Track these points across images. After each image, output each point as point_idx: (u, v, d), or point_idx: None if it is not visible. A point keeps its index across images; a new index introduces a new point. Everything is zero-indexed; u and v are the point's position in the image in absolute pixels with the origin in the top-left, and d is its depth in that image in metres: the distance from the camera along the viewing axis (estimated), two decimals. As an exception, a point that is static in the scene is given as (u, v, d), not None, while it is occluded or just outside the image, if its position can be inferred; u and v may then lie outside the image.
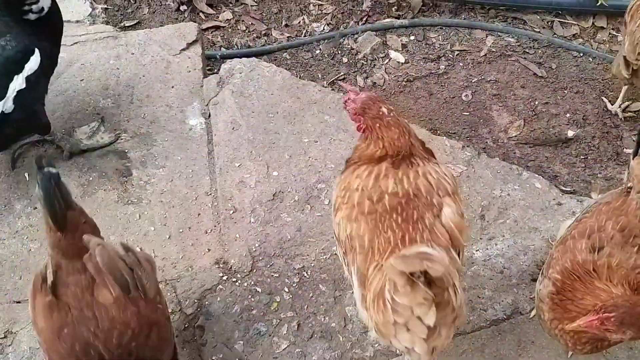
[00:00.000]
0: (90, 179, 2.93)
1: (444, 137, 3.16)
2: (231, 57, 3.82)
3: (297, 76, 3.76)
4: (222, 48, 3.92)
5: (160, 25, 3.98)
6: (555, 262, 2.15)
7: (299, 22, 4.08)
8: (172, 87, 3.25)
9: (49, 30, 2.72)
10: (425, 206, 2.04)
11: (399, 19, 4.02)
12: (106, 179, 2.94)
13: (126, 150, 3.03)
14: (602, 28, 3.90)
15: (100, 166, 2.98)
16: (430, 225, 2.01)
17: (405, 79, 3.74)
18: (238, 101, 3.18)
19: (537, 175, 3.05)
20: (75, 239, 2.01)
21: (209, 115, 3.14)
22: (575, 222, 2.29)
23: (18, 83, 2.57)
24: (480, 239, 2.81)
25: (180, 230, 2.78)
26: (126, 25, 4.01)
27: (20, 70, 2.57)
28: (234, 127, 3.09)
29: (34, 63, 2.60)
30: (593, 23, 3.93)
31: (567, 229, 2.33)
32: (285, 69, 3.80)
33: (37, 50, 2.60)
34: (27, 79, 2.59)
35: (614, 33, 3.89)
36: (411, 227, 2.00)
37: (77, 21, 3.54)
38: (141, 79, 3.28)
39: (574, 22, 3.94)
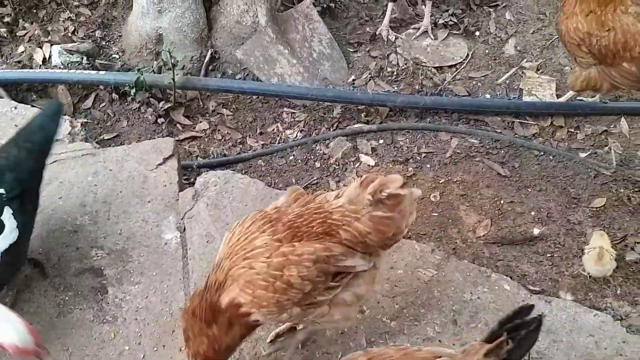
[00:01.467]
0: (66, 298, 2.95)
1: (414, 241, 3.24)
2: (207, 166, 3.98)
3: (271, 183, 3.91)
4: (198, 158, 4.07)
5: (139, 137, 4.16)
6: None
7: (273, 130, 4.27)
8: (149, 201, 3.34)
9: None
10: None
11: (368, 124, 4.22)
12: (82, 297, 2.96)
13: (102, 268, 3.07)
14: (561, 127, 4.11)
15: (76, 285, 3.01)
16: None
17: (376, 182, 3.87)
18: (213, 214, 3.27)
19: (505, 277, 3.12)
20: None
21: (184, 229, 3.22)
22: None
23: None
24: (454, 344, 2.84)
25: (155, 349, 2.78)
26: (105, 138, 4.18)
27: None
28: (208, 240, 3.16)
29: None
30: (552, 122, 4.15)
31: None
32: (260, 176, 3.96)
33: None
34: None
35: (572, 131, 4.10)
36: None
37: (57, 140, 3.64)
38: (118, 195, 3.37)
39: (533, 122, 4.15)
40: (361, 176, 2.41)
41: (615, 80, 3.54)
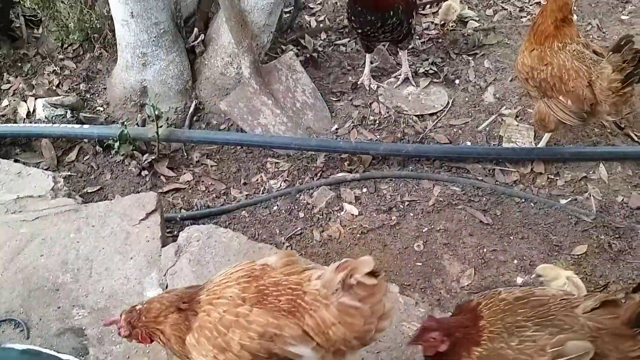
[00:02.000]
0: None
1: (398, 294, 3.25)
2: (191, 218, 3.99)
3: (255, 234, 3.91)
4: (182, 210, 4.07)
5: (123, 190, 4.17)
6: None
7: (257, 180, 4.29)
8: (131, 258, 3.33)
9: None
10: None
11: (351, 172, 4.26)
12: (63, 359, 2.92)
13: (83, 327, 3.04)
14: (541, 173, 4.17)
15: (57, 345, 2.97)
16: None
17: (359, 232, 3.89)
18: (195, 270, 3.26)
19: (489, 329, 3.12)
20: None
21: (167, 286, 3.20)
22: None
23: None
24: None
25: (136, 412, 2.75)
26: (89, 191, 4.18)
27: None
28: (191, 297, 3.14)
29: None
30: (532, 169, 4.20)
31: None
32: (244, 227, 3.97)
33: None
34: None
35: (552, 177, 4.15)
36: None
37: (40, 196, 3.65)
38: (100, 252, 3.36)
39: (514, 169, 4.21)
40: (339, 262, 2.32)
41: (557, 115, 3.81)
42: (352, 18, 4.38)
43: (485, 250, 3.73)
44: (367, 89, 4.78)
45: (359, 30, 4.44)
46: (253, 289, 2.34)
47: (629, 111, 4.47)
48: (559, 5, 3.68)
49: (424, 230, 3.88)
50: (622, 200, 3.94)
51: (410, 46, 4.85)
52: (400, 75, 4.83)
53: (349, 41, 5.22)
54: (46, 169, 4.14)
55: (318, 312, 2.27)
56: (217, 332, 2.29)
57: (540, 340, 2.31)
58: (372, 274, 2.21)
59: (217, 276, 2.51)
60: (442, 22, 5.19)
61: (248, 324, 2.27)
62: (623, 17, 5.23)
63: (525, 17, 5.42)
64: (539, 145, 4.22)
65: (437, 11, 5.49)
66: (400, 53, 4.83)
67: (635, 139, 4.30)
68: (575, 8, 5.50)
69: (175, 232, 3.82)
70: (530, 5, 5.58)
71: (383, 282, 2.27)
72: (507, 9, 5.52)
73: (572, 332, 2.31)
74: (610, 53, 3.53)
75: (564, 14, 3.70)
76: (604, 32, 5.14)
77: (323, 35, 5.25)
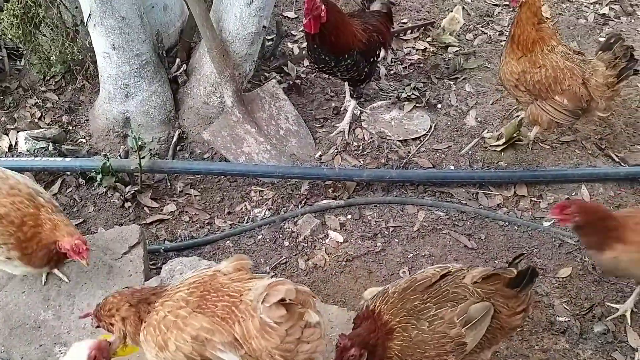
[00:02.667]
0: (27, 401, 2.87)
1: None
2: (174, 250, 3.96)
3: (240, 264, 3.88)
4: (165, 241, 4.05)
5: (106, 222, 4.14)
6: None
7: (241, 209, 4.27)
8: (114, 293, 3.29)
9: None
10: None
11: (335, 199, 4.26)
12: (43, 399, 2.88)
13: (65, 366, 3.00)
14: (524, 196, 4.19)
15: (37, 385, 2.93)
16: None
17: (345, 259, 3.89)
18: (179, 303, 3.23)
19: (475, 355, 3.11)
20: None
21: (150, 321, 3.17)
22: None
23: None
24: None
25: None
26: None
27: None
28: (174, 332, 3.11)
29: None
30: (515, 192, 4.23)
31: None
32: (228, 257, 3.92)
33: None
34: None
35: (535, 200, 4.18)
36: None
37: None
38: (83, 287, 3.32)
39: (497, 193, 4.23)
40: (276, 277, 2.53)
41: (551, 115, 3.98)
42: (309, 53, 4.33)
43: (470, 275, 3.72)
44: (346, 136, 4.63)
45: (315, 67, 4.43)
46: (197, 293, 2.50)
47: (609, 132, 4.53)
48: (533, 11, 3.89)
49: (409, 256, 3.87)
50: (605, 221, 3.96)
51: (361, 97, 4.70)
52: (338, 125, 4.70)
53: (331, 68, 5.26)
54: None
55: (246, 321, 2.41)
56: (159, 330, 2.47)
57: (447, 315, 2.62)
58: (285, 302, 2.32)
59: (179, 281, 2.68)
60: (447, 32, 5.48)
61: (184, 326, 2.43)
62: (600, 39, 5.30)
63: (505, 40, 5.48)
64: (529, 135, 4.37)
65: (419, 36, 5.57)
66: (348, 98, 4.75)
67: (616, 159, 4.35)
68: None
69: (159, 264, 3.80)
70: (510, 28, 5.65)
71: (296, 312, 2.36)
72: (486, 33, 5.60)
73: (469, 300, 2.65)
74: (600, 52, 3.88)
75: (538, 17, 3.92)
76: (582, 54, 5.21)
77: (306, 62, 5.28)
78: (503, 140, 4.39)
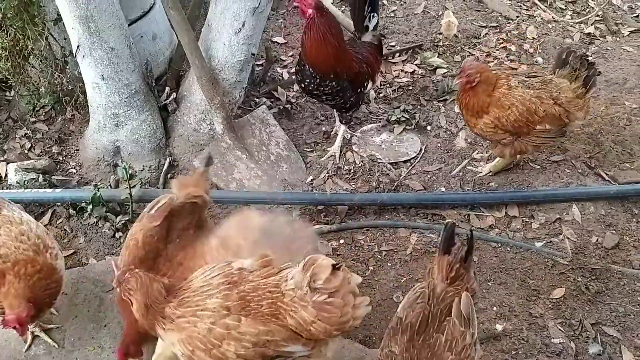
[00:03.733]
0: None
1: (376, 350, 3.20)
2: (167, 279, 3.92)
3: (233, 292, 3.86)
4: (158, 271, 4.02)
5: (97, 253, 4.11)
6: None
7: (233, 236, 4.25)
8: (105, 325, 3.27)
9: None
10: None
11: (327, 224, 4.25)
12: None
13: (56, 402, 2.96)
14: (515, 217, 4.20)
15: (28, 423, 2.89)
16: None
17: (338, 284, 3.86)
18: (171, 335, 3.20)
19: (472, 380, 3.09)
20: None
21: (142, 354, 3.13)
22: None
23: None
24: None
25: None
26: (63, 255, 4.10)
27: None
28: (166, 364, 3.08)
29: None
30: (506, 213, 4.23)
31: None
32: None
33: None
34: None
35: (527, 220, 4.18)
36: None
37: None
38: (74, 321, 3.29)
39: (489, 214, 4.23)
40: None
41: (536, 143, 4.07)
42: (297, 68, 4.34)
43: (464, 298, 3.71)
44: (337, 160, 4.65)
45: (301, 85, 4.38)
46: (235, 296, 2.44)
47: (598, 150, 4.55)
48: (488, 83, 3.95)
49: (402, 280, 3.86)
50: (597, 240, 3.97)
51: (350, 122, 4.73)
52: (329, 149, 4.74)
53: (321, 92, 5.28)
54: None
55: (298, 312, 2.40)
56: (210, 344, 2.39)
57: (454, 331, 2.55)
58: (334, 268, 2.38)
59: (197, 278, 2.56)
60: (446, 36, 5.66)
61: (241, 335, 2.38)
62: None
63: (493, 61, 5.54)
64: (486, 168, 4.46)
65: (407, 59, 5.62)
66: (338, 123, 4.79)
67: (606, 177, 4.37)
68: (540, 51, 5.66)
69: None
70: (497, 50, 5.72)
71: (344, 274, 2.42)
72: (474, 54, 5.65)
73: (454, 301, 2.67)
74: (558, 69, 3.99)
75: (493, 83, 3.96)
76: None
77: (295, 87, 5.31)
78: (494, 164, 4.44)
